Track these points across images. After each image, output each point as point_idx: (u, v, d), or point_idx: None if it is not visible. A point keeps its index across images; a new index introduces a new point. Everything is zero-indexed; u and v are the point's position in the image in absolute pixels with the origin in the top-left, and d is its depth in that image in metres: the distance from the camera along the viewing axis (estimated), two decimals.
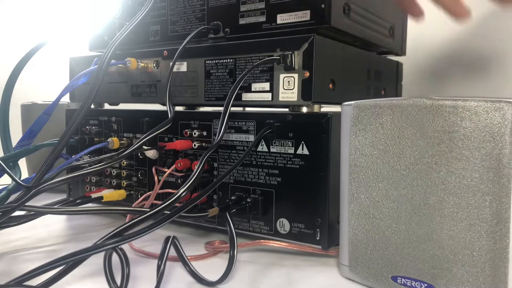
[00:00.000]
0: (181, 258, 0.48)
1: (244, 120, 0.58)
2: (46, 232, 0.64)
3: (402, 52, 0.79)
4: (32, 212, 0.55)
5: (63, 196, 0.76)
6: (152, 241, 0.59)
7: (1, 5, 1.21)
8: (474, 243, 0.38)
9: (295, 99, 0.55)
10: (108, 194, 0.65)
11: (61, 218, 0.72)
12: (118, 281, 0.43)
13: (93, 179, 0.73)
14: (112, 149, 0.67)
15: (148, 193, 0.63)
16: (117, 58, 0.69)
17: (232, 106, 0.55)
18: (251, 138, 0.57)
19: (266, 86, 0.57)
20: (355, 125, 0.45)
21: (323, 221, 0.52)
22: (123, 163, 0.69)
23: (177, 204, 0.47)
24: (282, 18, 0.57)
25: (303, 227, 0.54)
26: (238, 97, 0.59)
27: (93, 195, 0.64)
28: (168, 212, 0.46)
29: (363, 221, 0.45)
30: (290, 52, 0.54)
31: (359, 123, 0.45)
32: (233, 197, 0.58)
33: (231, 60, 0.60)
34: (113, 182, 0.70)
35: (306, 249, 0.53)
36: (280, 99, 0.56)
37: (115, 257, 0.44)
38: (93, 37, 0.75)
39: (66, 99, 0.76)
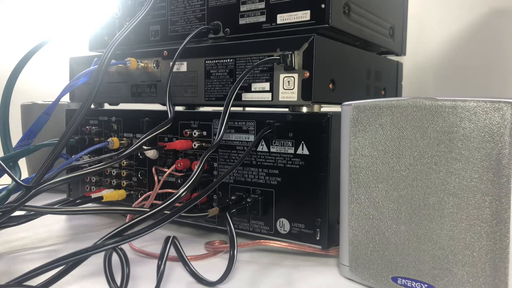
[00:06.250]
0: (181, 258, 0.48)
1: (244, 120, 0.58)
2: (46, 232, 0.64)
3: (402, 52, 0.79)
4: (32, 212, 0.55)
5: (63, 196, 0.76)
6: (152, 241, 0.59)
7: (1, 5, 1.21)
8: (474, 244, 0.38)
9: (295, 99, 0.55)
10: (108, 194, 0.65)
11: (61, 218, 0.72)
12: (118, 281, 0.43)
13: (93, 179, 0.73)
14: (112, 149, 0.67)
15: (148, 193, 0.63)
16: (117, 58, 0.69)
17: (232, 106, 0.55)
18: (251, 138, 0.57)
19: (266, 86, 0.57)
20: (355, 126, 0.45)
21: (323, 221, 0.52)
22: (123, 163, 0.69)
23: (177, 204, 0.47)
24: (282, 18, 0.57)
25: (303, 227, 0.54)
26: (238, 97, 0.59)
27: (93, 195, 0.64)
28: (168, 212, 0.46)
29: (363, 221, 0.45)
30: (290, 52, 0.54)
31: (359, 123, 0.45)
32: (233, 197, 0.58)
33: (231, 60, 0.60)
34: (113, 182, 0.70)
35: (306, 249, 0.53)
36: (280, 99, 0.56)
37: (115, 257, 0.44)
38: (93, 37, 0.75)
39: (66, 99, 0.77)
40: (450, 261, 0.40)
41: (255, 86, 0.58)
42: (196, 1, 0.64)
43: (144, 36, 0.69)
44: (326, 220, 0.52)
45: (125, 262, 0.43)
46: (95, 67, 0.59)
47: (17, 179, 0.51)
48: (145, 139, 0.57)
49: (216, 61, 0.61)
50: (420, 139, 0.41)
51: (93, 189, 0.72)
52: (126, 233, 0.45)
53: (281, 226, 0.56)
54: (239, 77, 0.55)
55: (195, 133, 0.61)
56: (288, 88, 0.55)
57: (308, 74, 0.54)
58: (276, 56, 0.55)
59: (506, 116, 0.36)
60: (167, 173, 0.60)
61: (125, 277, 0.42)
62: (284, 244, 0.54)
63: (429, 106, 0.40)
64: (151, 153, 0.64)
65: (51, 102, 0.62)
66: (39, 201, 0.66)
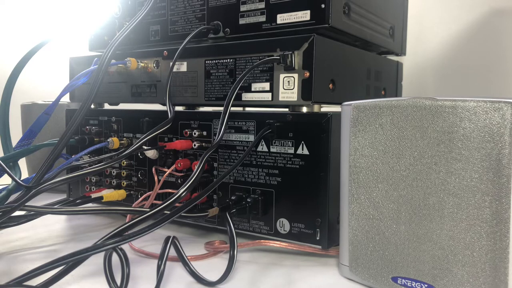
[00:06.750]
0: (181, 258, 0.48)
1: (244, 120, 0.58)
2: (46, 232, 0.64)
3: (402, 52, 0.79)
4: (32, 212, 0.55)
5: (63, 196, 0.76)
6: (152, 241, 0.59)
7: (1, 5, 1.21)
8: (474, 243, 0.38)
9: (295, 99, 0.55)
10: (108, 194, 0.65)
11: (61, 218, 0.72)
12: (118, 281, 0.43)
13: (93, 179, 0.73)
14: (112, 149, 0.67)
15: (148, 193, 0.63)
16: (117, 58, 0.69)
17: (232, 106, 0.55)
18: (251, 138, 0.57)
19: (266, 86, 0.57)
20: (355, 126, 0.45)
21: (323, 221, 0.52)
22: (123, 163, 0.69)
23: (177, 204, 0.47)
24: (282, 18, 0.57)
25: (303, 227, 0.54)
26: (238, 97, 0.59)
27: (93, 195, 0.64)
28: (168, 212, 0.46)
29: (363, 222, 0.45)
30: (290, 52, 0.54)
31: (359, 123, 0.45)
32: (233, 197, 0.58)
33: (231, 60, 0.60)
34: (113, 182, 0.70)
35: (306, 249, 0.53)
36: (280, 99, 0.56)
37: (115, 257, 0.44)
38: (93, 37, 0.75)
39: (66, 99, 0.77)
40: (450, 261, 0.40)
41: (255, 86, 0.58)
42: (196, 1, 0.64)
43: (144, 36, 0.69)
44: (326, 220, 0.52)
45: (125, 262, 0.43)
46: (95, 67, 0.59)
47: (17, 179, 0.51)
48: (145, 139, 0.57)
49: (216, 61, 0.61)
50: (420, 139, 0.41)
51: (93, 189, 0.72)
52: (126, 233, 0.45)
53: (281, 226, 0.56)
54: (239, 77, 0.55)
55: (195, 133, 0.61)
56: (288, 88, 0.55)
57: (308, 74, 0.54)
58: (276, 56, 0.55)
59: (506, 116, 0.36)
60: (167, 173, 0.60)
61: (125, 277, 0.42)
62: (284, 244, 0.54)
63: (429, 106, 0.40)
64: (151, 153, 0.65)
65: (51, 102, 0.62)
66: (39, 201, 0.66)
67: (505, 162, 0.37)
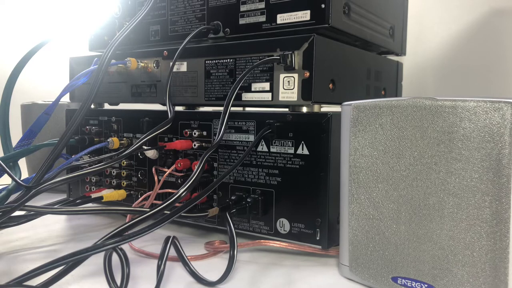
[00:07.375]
0: (181, 258, 0.48)
1: (244, 120, 0.58)
2: (46, 232, 0.64)
3: (402, 52, 0.79)
4: (32, 212, 0.55)
5: (63, 196, 0.76)
6: (152, 241, 0.59)
7: (1, 5, 1.21)
8: (474, 243, 0.38)
9: (295, 99, 0.55)
10: (108, 194, 0.65)
11: (61, 218, 0.72)
12: (118, 281, 0.43)
13: (93, 179, 0.73)
14: (112, 149, 0.67)
15: (148, 193, 0.63)
16: (117, 58, 0.69)
17: (232, 106, 0.55)
18: (251, 138, 0.57)
19: (266, 86, 0.57)
20: (355, 126, 0.45)
21: (323, 221, 0.52)
22: (123, 163, 0.69)
23: (177, 204, 0.47)
24: (282, 18, 0.57)
25: (303, 227, 0.54)
26: (238, 97, 0.59)
27: (93, 195, 0.64)
28: (168, 212, 0.46)
29: (363, 221, 0.45)
30: (290, 52, 0.54)
31: (359, 123, 0.45)
32: (233, 197, 0.58)
33: (231, 60, 0.60)
34: (113, 182, 0.70)
35: (306, 249, 0.53)
36: (280, 99, 0.56)
37: (115, 257, 0.44)
38: (93, 37, 0.75)
39: (66, 99, 0.77)
40: (450, 261, 0.40)
41: (255, 86, 0.58)
42: (196, 1, 0.64)
43: (144, 36, 0.69)
44: (326, 220, 0.52)
45: (125, 262, 0.43)
46: (95, 67, 0.59)
47: (17, 179, 0.51)
48: (145, 139, 0.57)
49: (216, 61, 0.61)
50: (420, 139, 0.41)
51: (93, 189, 0.72)
52: (126, 233, 0.45)
53: (281, 226, 0.56)
54: (239, 77, 0.55)
55: (195, 133, 0.61)
56: (288, 88, 0.55)
57: (308, 74, 0.54)
58: (276, 56, 0.55)
59: (506, 116, 0.36)
60: (167, 173, 0.60)
61: (125, 277, 0.42)
62: (284, 244, 0.54)
63: (429, 106, 0.40)
64: (151, 153, 0.65)
65: (51, 102, 0.62)
66: (39, 201, 0.66)
67: (505, 162, 0.37)
